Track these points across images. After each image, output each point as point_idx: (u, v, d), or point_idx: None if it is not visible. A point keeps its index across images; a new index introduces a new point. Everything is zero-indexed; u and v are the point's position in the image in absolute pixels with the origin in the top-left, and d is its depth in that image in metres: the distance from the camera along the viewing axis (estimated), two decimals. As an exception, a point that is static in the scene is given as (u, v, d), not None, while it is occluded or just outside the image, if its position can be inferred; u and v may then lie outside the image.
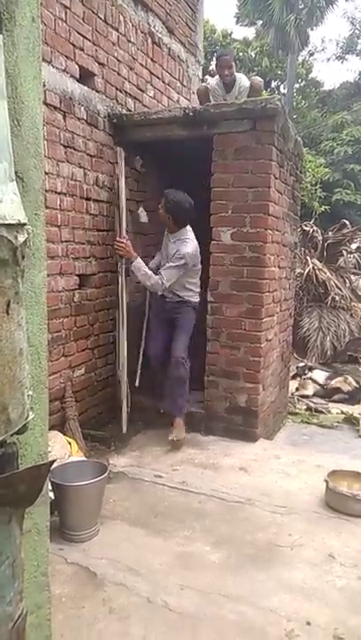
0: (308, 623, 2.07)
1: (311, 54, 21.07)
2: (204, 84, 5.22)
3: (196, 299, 4.07)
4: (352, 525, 2.80)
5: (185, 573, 2.38)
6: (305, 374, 6.05)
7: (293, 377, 5.79)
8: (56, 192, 3.37)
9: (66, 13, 3.38)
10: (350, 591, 2.28)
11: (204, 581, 2.32)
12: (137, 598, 2.20)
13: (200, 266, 4.05)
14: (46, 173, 3.26)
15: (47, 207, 3.26)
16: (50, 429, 3.21)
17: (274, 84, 19.98)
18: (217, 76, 4.78)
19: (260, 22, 17.41)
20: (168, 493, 3.13)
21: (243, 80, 4.72)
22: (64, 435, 3.32)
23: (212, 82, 4.92)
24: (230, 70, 4.63)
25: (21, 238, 0.98)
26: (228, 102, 4.04)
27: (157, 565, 2.44)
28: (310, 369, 6.18)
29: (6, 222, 0.93)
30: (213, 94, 4.72)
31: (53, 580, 2.24)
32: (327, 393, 5.58)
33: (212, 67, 14.62)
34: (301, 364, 6.41)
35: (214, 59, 5.09)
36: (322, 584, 2.32)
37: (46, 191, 3.26)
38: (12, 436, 1.02)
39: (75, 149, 3.55)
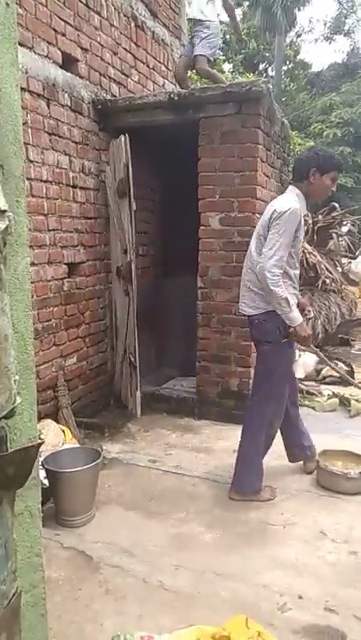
0: (300, 597, 2.12)
1: (299, 35, 20.87)
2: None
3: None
4: (343, 503, 2.86)
5: (180, 554, 2.43)
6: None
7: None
8: (42, 180, 3.35)
9: (46, -2, 3.33)
10: (341, 566, 2.34)
11: (198, 561, 2.37)
12: (133, 579, 2.24)
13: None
14: (31, 161, 3.24)
15: (33, 196, 3.25)
16: (43, 418, 3.26)
17: (262, 66, 19.81)
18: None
19: (247, 3, 17.20)
20: (162, 477, 3.17)
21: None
22: (57, 423, 3.35)
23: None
24: None
25: (2, 225, 0.99)
26: (212, 86, 3.99)
27: (152, 547, 2.48)
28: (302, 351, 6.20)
29: (-14, 209, 0.93)
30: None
31: (50, 564, 2.29)
32: (318, 374, 5.63)
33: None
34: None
35: None
36: (313, 560, 2.38)
37: (32, 179, 3.25)
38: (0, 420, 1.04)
39: (59, 137, 3.52)
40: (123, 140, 3.80)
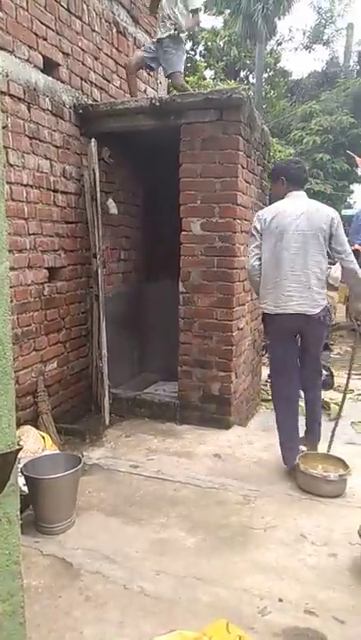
0: (281, 600, 2.13)
1: (279, 44, 21.12)
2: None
3: (261, 304, 3.36)
4: (323, 506, 2.88)
5: (161, 559, 2.42)
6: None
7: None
8: (22, 184, 3.33)
9: (27, 2, 3.31)
10: (321, 568, 2.36)
11: (179, 566, 2.37)
12: (113, 585, 2.23)
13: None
14: (11, 165, 3.21)
15: (13, 200, 3.23)
16: (23, 424, 3.22)
17: (243, 73, 19.99)
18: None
19: (228, 11, 17.35)
20: (144, 483, 3.16)
21: None
22: (37, 429, 3.31)
23: None
24: None
25: (-20, 229, 0.98)
26: (193, 92, 4.01)
27: (133, 553, 2.47)
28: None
29: None
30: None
31: (29, 572, 2.26)
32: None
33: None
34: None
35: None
36: (293, 563, 2.40)
37: (12, 183, 3.22)
38: (-24, 426, 1.03)
39: (40, 141, 3.51)
40: (92, 144, 3.81)
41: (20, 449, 1.10)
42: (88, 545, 2.52)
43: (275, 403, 3.45)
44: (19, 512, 1.32)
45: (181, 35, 4.39)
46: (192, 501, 2.94)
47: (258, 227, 3.15)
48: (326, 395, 5.23)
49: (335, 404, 4.78)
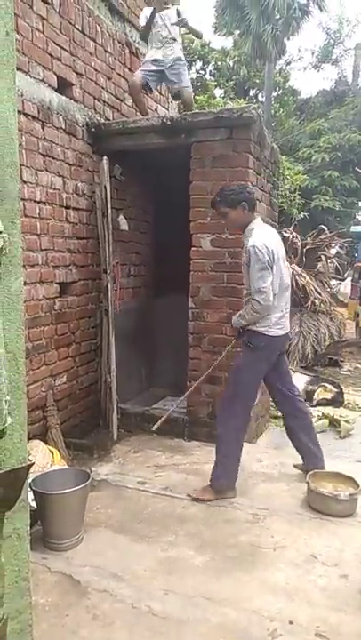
0: (291, 622, 2.09)
1: (288, 63, 21.39)
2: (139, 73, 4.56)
3: (260, 327, 3.11)
4: (333, 525, 2.84)
5: (169, 578, 2.39)
6: None
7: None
8: (35, 201, 3.38)
9: (43, 24, 3.40)
10: (332, 590, 2.31)
11: (187, 585, 2.33)
12: (121, 604, 2.20)
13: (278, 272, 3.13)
14: (25, 182, 3.27)
15: (26, 216, 3.27)
16: (32, 439, 3.22)
17: (252, 92, 20.24)
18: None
19: (238, 32, 17.63)
20: (152, 499, 3.13)
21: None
22: (46, 444, 3.31)
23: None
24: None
25: (-3, 246, 1.00)
26: (204, 111, 4.07)
27: (142, 571, 2.44)
28: (292, 371, 6.22)
29: (-19, 230, 0.95)
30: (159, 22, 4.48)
31: (37, 589, 2.24)
32: (308, 396, 5.64)
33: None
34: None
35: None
36: (304, 584, 2.36)
37: (25, 200, 3.27)
38: (-10, 441, 1.04)
39: (53, 158, 3.57)
40: (104, 162, 3.87)
41: (32, 464, 1.10)
42: (96, 562, 2.49)
43: (235, 434, 3.17)
44: (29, 528, 1.32)
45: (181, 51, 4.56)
46: (201, 519, 2.91)
47: (269, 260, 3.01)
48: (336, 412, 5.18)
49: (345, 421, 4.74)
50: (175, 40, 4.49)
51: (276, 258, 3.07)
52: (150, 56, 4.51)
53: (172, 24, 4.45)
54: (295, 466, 3.47)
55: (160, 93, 5.29)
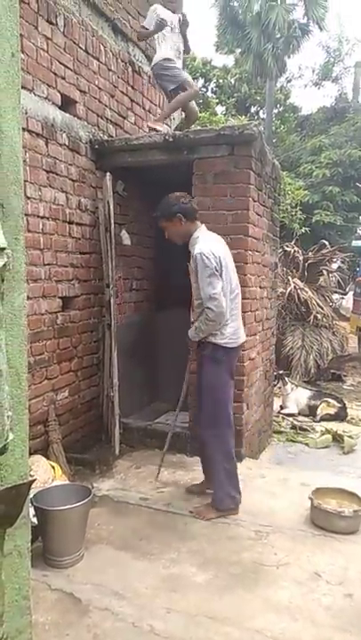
0: (295, 643, 2.06)
1: (289, 81, 21.65)
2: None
3: (219, 339, 3.09)
4: (337, 543, 2.81)
5: (171, 596, 2.36)
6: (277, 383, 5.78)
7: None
8: (38, 216, 3.41)
9: (47, 44, 3.47)
10: (336, 609, 2.28)
11: (190, 604, 2.30)
12: (122, 623, 2.17)
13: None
14: (29, 198, 3.30)
15: (29, 231, 3.30)
16: (33, 454, 3.20)
17: (253, 109, 20.48)
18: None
19: (239, 50, 17.89)
20: (154, 516, 3.11)
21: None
22: (47, 459, 3.29)
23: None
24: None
25: (1, 262, 1.01)
26: (206, 128, 4.11)
27: (143, 589, 2.41)
28: (295, 385, 6.18)
29: (-14, 247, 0.96)
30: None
31: (37, 607, 2.21)
32: (312, 411, 5.62)
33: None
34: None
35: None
36: (308, 603, 2.32)
37: (29, 215, 3.30)
38: (-9, 456, 1.03)
39: (57, 174, 3.61)
40: (107, 178, 3.91)
41: (34, 481, 1.10)
42: (97, 580, 2.46)
43: (226, 454, 3.13)
44: (30, 545, 1.31)
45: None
46: (203, 536, 2.88)
47: (217, 266, 3.00)
48: (339, 427, 5.16)
49: (349, 437, 4.71)
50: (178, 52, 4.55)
51: (224, 264, 3.04)
52: (163, 55, 4.52)
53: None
54: (188, 489, 3.40)
55: (163, 110, 5.35)
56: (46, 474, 3.05)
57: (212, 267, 2.97)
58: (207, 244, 3.05)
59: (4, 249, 1.02)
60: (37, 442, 3.44)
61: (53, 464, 3.24)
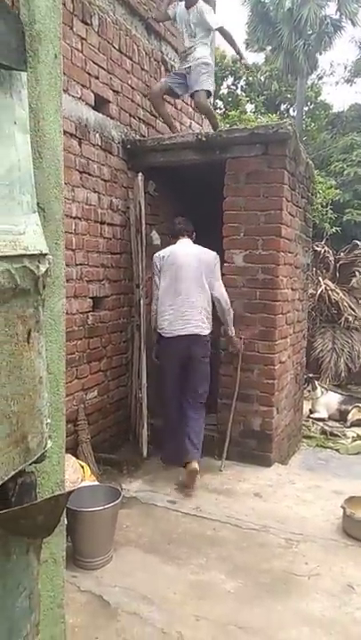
0: (328, 658, 2.00)
1: (320, 78, 21.28)
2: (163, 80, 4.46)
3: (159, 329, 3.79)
4: (371, 554, 2.73)
5: (200, 603, 2.33)
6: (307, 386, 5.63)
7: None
8: (71, 216, 3.42)
9: (82, 44, 3.47)
10: (371, 624, 2.21)
11: (219, 612, 2.27)
12: (151, 629, 2.15)
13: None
14: (62, 198, 3.31)
15: (62, 231, 3.30)
16: (63, 453, 3.21)
17: (283, 106, 20.21)
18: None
19: (270, 48, 17.70)
20: (182, 520, 3.08)
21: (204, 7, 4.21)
22: (76, 458, 3.30)
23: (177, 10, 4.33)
24: None
25: (43, 268, 1.00)
26: (239, 128, 4.04)
27: (172, 594, 2.39)
28: (325, 389, 6.06)
29: (29, 253, 0.94)
30: (179, 19, 4.29)
31: (67, 608, 2.18)
32: (342, 416, 5.50)
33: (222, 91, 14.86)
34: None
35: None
36: (341, 616, 2.26)
37: (61, 216, 3.31)
38: (30, 465, 1.02)
39: (89, 174, 3.61)
40: (139, 178, 3.89)
41: (72, 492, 1.08)
42: (126, 583, 2.45)
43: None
44: (64, 553, 1.30)
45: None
46: (232, 542, 2.84)
47: (157, 264, 3.69)
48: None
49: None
50: (199, 42, 4.21)
51: (169, 263, 3.63)
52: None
53: (194, 23, 4.15)
54: (177, 484, 3.55)
55: (194, 110, 5.32)
56: (76, 474, 3.05)
57: (154, 269, 3.74)
58: (161, 251, 3.78)
59: (45, 255, 1.01)
60: (67, 441, 3.44)
61: (82, 464, 3.24)
